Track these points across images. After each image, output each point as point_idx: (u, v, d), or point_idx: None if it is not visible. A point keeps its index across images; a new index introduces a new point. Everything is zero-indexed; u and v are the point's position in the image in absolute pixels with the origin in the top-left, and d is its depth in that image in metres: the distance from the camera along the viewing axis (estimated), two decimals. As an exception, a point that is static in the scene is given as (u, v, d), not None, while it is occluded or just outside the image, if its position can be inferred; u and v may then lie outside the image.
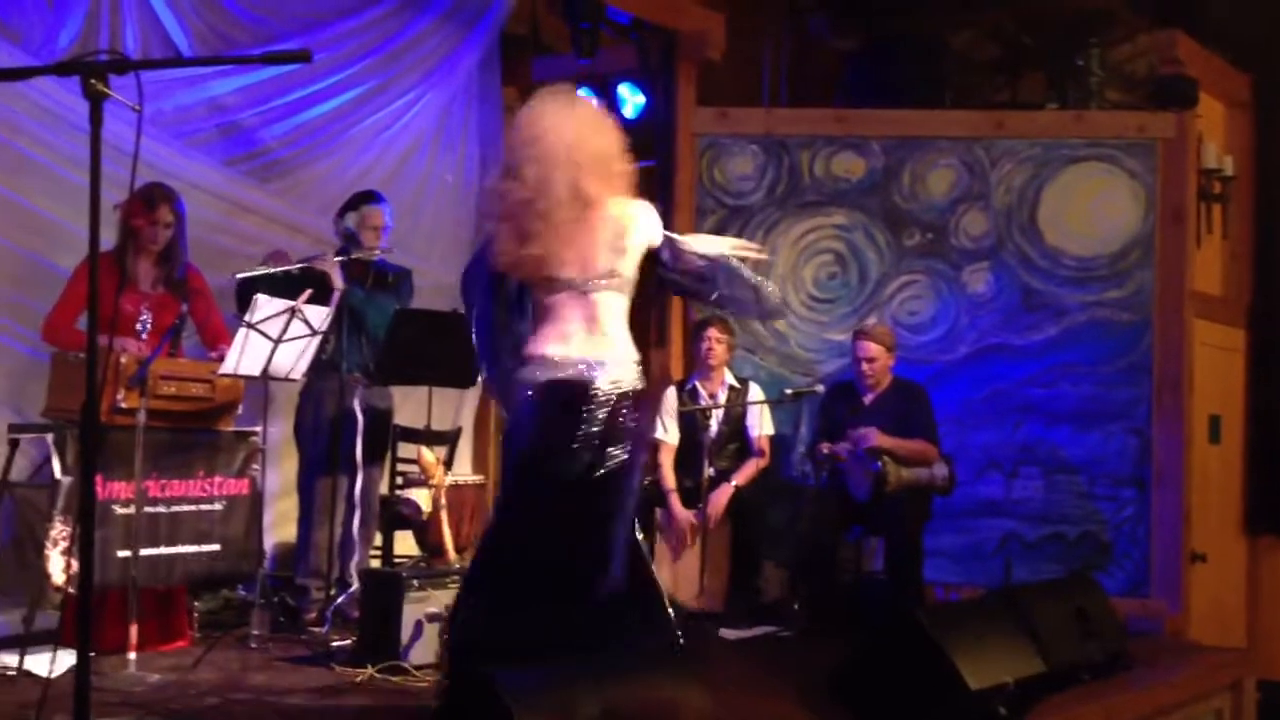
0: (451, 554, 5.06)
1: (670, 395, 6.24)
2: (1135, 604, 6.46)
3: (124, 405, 4.55)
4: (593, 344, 3.49)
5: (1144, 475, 6.60)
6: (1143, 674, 5.00)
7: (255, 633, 4.90)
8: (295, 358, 4.97)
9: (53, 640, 4.08)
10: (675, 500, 6.05)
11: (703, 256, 3.61)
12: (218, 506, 5.01)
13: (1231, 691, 5.60)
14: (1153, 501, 6.59)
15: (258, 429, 5.09)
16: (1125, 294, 6.70)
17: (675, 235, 3.69)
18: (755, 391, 6.16)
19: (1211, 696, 5.46)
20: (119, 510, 4.64)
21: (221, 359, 4.85)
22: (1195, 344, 6.79)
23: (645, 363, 7.51)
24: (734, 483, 5.95)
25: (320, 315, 4.95)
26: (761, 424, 6.14)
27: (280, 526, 5.97)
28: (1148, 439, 6.62)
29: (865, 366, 5.81)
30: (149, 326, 4.85)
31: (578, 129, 3.52)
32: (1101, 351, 6.68)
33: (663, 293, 6.89)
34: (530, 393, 3.47)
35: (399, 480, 6.04)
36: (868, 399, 5.88)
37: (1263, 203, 7.77)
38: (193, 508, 4.92)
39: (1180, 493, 6.60)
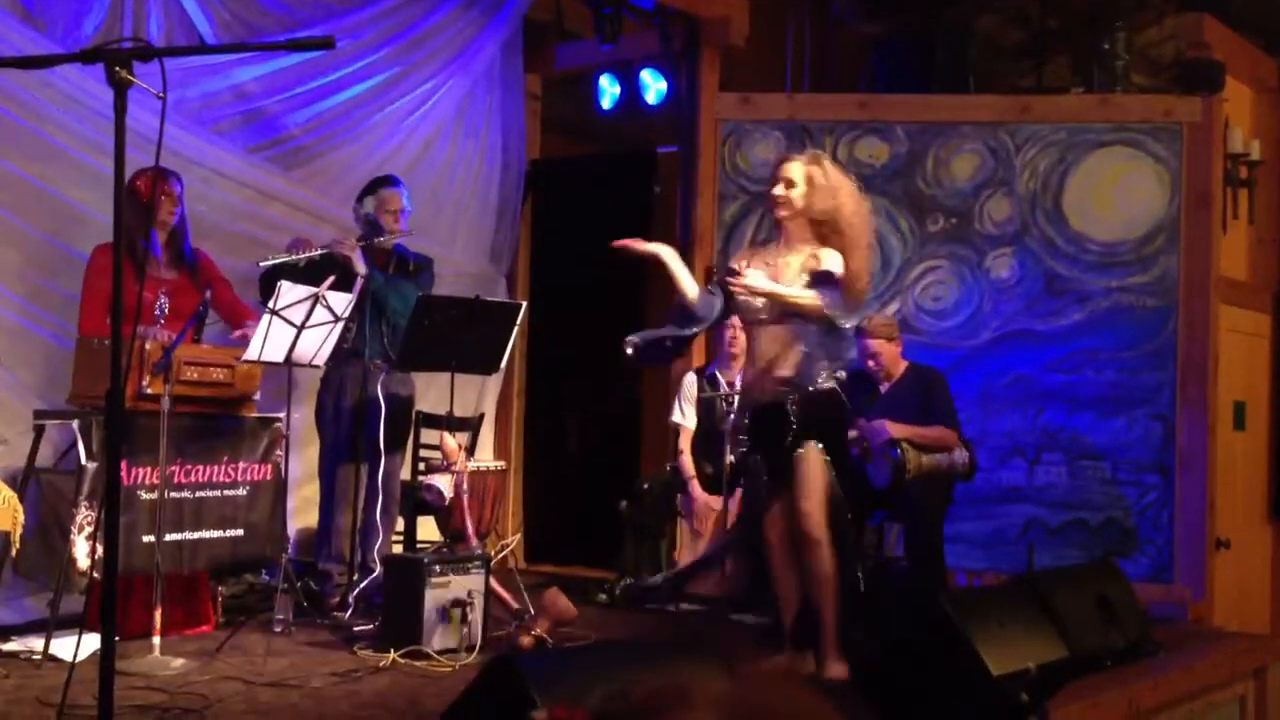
0: (473, 539, 5.08)
1: (690, 382, 6.26)
2: (1158, 590, 6.44)
3: (149, 391, 4.58)
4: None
5: (1168, 461, 6.57)
6: (1165, 660, 4.98)
7: (278, 617, 4.92)
8: (318, 344, 4.99)
9: (78, 625, 4.12)
10: (696, 485, 6.08)
11: None
12: (242, 492, 5.04)
13: (1255, 678, 5.58)
14: (1176, 487, 6.57)
15: (281, 415, 5.11)
16: (1150, 279, 6.67)
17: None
18: (776, 378, 6.14)
19: (1235, 683, 5.44)
20: (144, 495, 4.67)
21: (244, 338, 4.89)
22: (1220, 330, 6.74)
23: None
24: None
25: (343, 301, 4.97)
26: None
27: (303, 512, 6.00)
28: (1171, 425, 6.59)
29: (871, 362, 5.77)
30: (165, 311, 4.88)
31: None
32: (1125, 337, 6.65)
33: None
34: None
35: (421, 466, 6.06)
36: (884, 387, 5.86)
37: (1290, 188, 7.73)
38: (217, 493, 4.95)
39: (1204, 479, 6.57)
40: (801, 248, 4.46)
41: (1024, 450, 6.71)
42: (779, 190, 4.46)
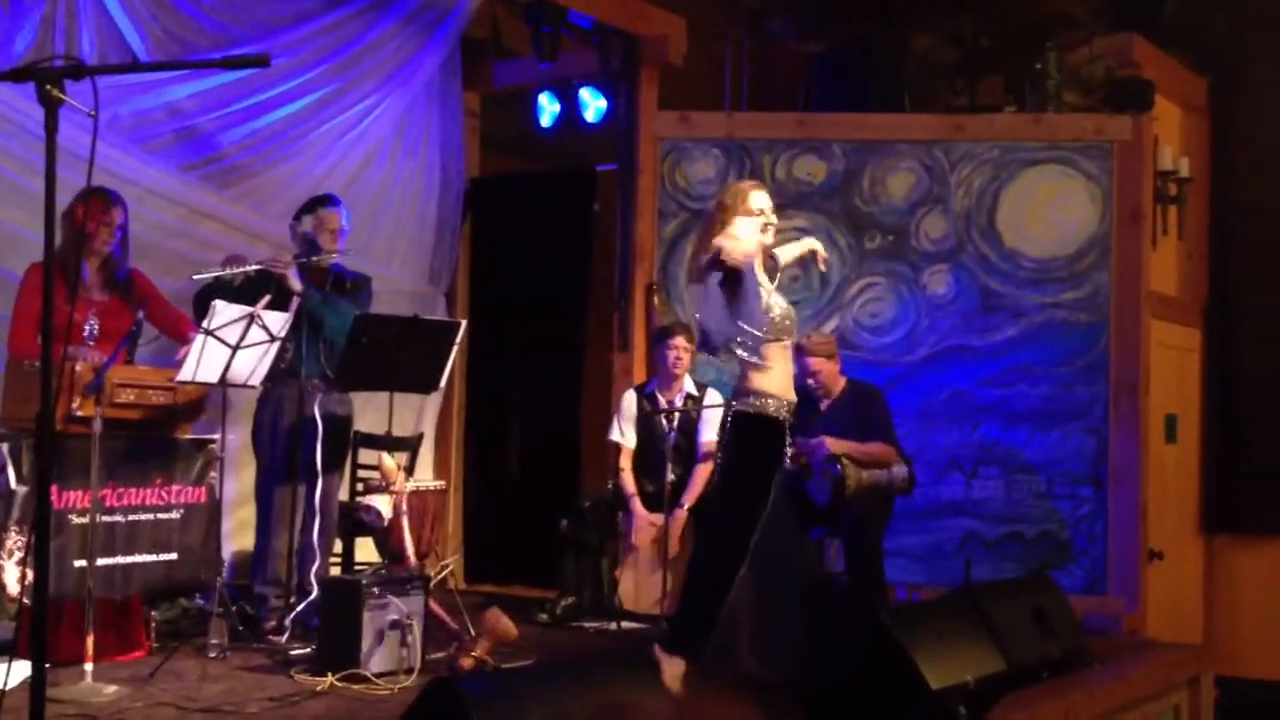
0: (412, 560, 5.04)
1: (630, 400, 6.26)
2: (1093, 602, 6.52)
3: (79, 413, 4.51)
4: None
5: (1101, 474, 6.66)
6: (1101, 671, 5.05)
7: (213, 642, 4.85)
8: (254, 364, 4.93)
9: (8, 652, 4.02)
10: (637, 503, 6.08)
11: None
12: (175, 515, 4.97)
13: (1189, 688, 5.67)
14: (1110, 500, 6.65)
15: (216, 436, 5.05)
16: (1082, 295, 6.76)
17: None
18: (713, 396, 6.15)
19: (1170, 693, 5.52)
20: (75, 520, 4.59)
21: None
22: (1152, 344, 6.85)
23: (608, 366, 7.50)
24: (684, 506, 5.96)
25: (279, 321, 4.92)
26: (716, 429, 6.13)
27: (239, 535, 5.93)
28: (1105, 438, 6.68)
29: (810, 380, 5.78)
30: (95, 333, 4.82)
31: None
32: (1059, 352, 6.73)
33: (625, 296, 6.94)
34: None
35: (359, 486, 6.01)
36: (823, 405, 5.89)
37: (1218, 204, 7.87)
38: (150, 516, 4.88)
39: (1137, 491, 6.66)
40: None
41: (961, 464, 6.77)
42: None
